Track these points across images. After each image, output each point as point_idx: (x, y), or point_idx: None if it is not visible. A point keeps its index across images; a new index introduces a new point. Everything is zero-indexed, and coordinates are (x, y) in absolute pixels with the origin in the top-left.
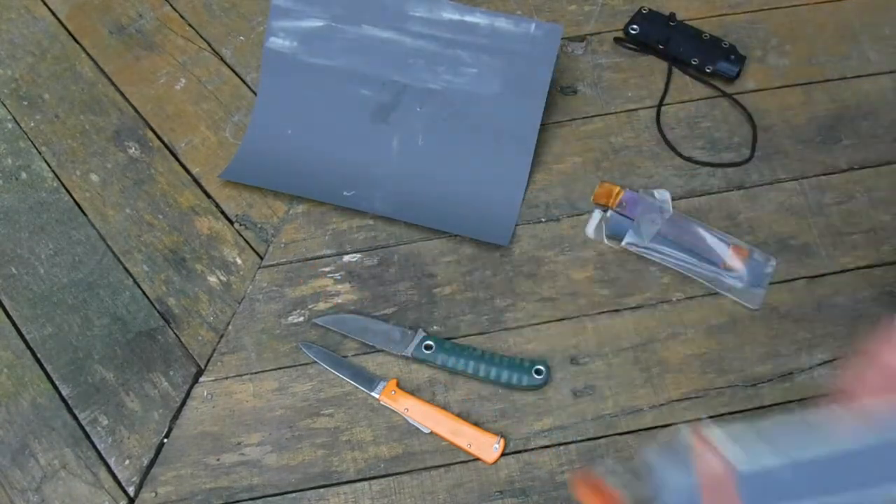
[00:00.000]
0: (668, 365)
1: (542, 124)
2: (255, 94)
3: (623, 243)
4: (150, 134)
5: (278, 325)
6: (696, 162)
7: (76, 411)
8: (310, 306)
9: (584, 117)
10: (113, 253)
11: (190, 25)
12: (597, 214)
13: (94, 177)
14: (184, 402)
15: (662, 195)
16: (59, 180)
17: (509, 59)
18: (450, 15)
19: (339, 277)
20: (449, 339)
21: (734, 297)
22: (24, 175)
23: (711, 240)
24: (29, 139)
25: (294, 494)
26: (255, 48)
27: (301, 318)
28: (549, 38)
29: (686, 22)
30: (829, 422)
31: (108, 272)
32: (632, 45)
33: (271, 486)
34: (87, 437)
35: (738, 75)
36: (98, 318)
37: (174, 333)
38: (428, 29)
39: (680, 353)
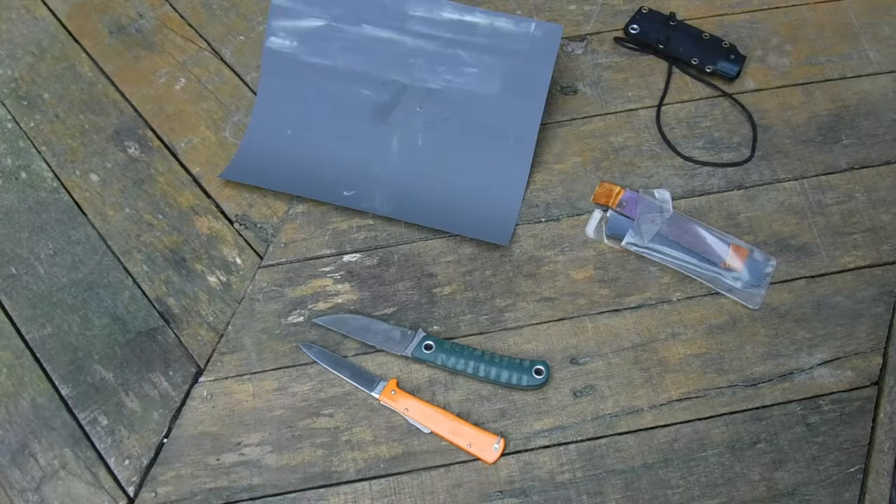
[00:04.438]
0: (668, 365)
1: (542, 124)
2: (254, 93)
3: (623, 243)
4: (150, 134)
5: (278, 325)
6: (696, 162)
7: (76, 411)
8: (310, 306)
9: (584, 117)
10: (113, 253)
11: (190, 25)
12: (597, 214)
13: (93, 176)
14: (183, 402)
15: (662, 195)
16: (59, 180)
17: (509, 58)
18: (450, 15)
19: (339, 277)
20: (449, 339)
21: (734, 297)
22: (23, 175)
23: (711, 240)
24: (29, 139)
25: (294, 494)
26: (255, 48)
27: (301, 318)
28: (549, 38)
29: (686, 21)
30: None
31: (107, 272)
32: (632, 45)
33: (271, 486)
34: (87, 437)
35: (738, 75)
36: (98, 318)
37: (174, 333)
38: (428, 29)
39: (680, 353)
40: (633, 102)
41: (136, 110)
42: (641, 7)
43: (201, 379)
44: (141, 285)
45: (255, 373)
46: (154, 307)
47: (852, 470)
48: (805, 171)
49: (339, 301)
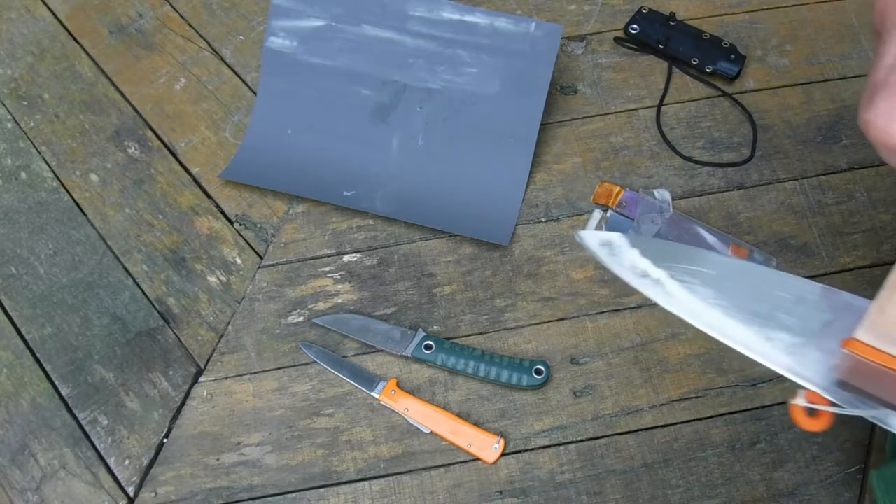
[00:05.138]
0: (668, 365)
1: (542, 124)
2: (255, 93)
3: None
4: (150, 134)
5: (278, 325)
6: (696, 162)
7: (76, 411)
8: (310, 306)
9: (584, 117)
10: (113, 253)
11: (190, 25)
12: (597, 214)
13: (93, 177)
14: (183, 402)
15: (662, 195)
16: (59, 180)
17: (509, 58)
18: (450, 15)
19: (338, 277)
20: (449, 339)
21: None
22: (23, 175)
23: (711, 240)
24: (29, 139)
25: (294, 494)
26: (255, 48)
27: (301, 318)
28: (549, 38)
29: (686, 21)
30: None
31: (107, 272)
32: (632, 45)
33: (271, 486)
34: (87, 437)
35: (738, 75)
36: (98, 318)
37: (174, 333)
38: (428, 29)
39: (680, 353)
40: (633, 102)
41: (136, 110)
42: (641, 7)
43: (201, 379)
44: (141, 285)
45: (255, 373)
46: (154, 307)
47: (852, 470)
48: (805, 171)
49: (339, 301)
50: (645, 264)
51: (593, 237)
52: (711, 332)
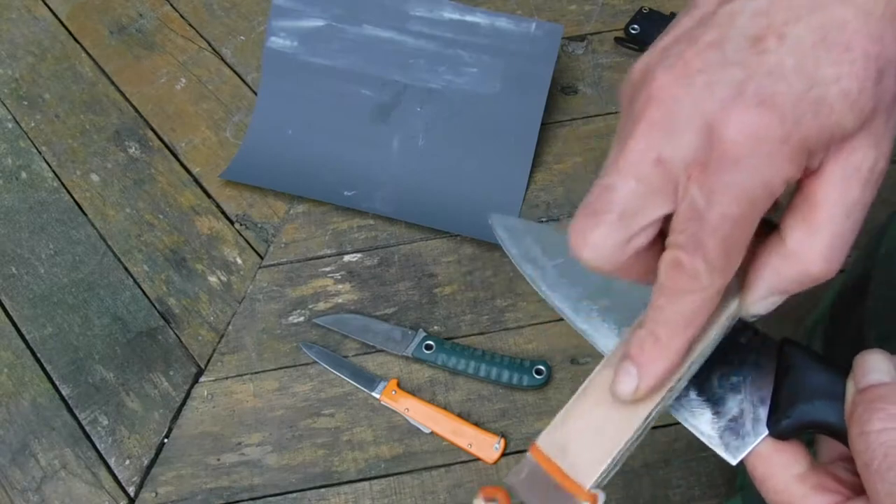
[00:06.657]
0: None
1: (542, 124)
2: (255, 94)
3: None
4: (151, 134)
5: (278, 325)
6: None
7: (76, 411)
8: (310, 306)
9: (584, 117)
10: (113, 253)
11: (190, 25)
12: None
13: (94, 177)
14: (184, 402)
15: None
16: (60, 180)
17: (510, 58)
18: (450, 15)
19: (339, 277)
20: (449, 339)
21: None
22: (24, 175)
23: None
24: (29, 139)
25: (294, 494)
26: (256, 48)
27: (301, 318)
28: (550, 38)
29: None
30: None
31: (108, 272)
32: (632, 45)
33: (272, 486)
34: (87, 437)
35: None
36: (98, 318)
37: (174, 333)
38: (428, 29)
39: None
40: None
41: (136, 110)
42: (642, 7)
43: (202, 379)
44: (141, 285)
45: (255, 373)
46: (154, 307)
47: None
48: None
49: (340, 301)
50: (536, 251)
51: (500, 220)
52: (583, 334)
